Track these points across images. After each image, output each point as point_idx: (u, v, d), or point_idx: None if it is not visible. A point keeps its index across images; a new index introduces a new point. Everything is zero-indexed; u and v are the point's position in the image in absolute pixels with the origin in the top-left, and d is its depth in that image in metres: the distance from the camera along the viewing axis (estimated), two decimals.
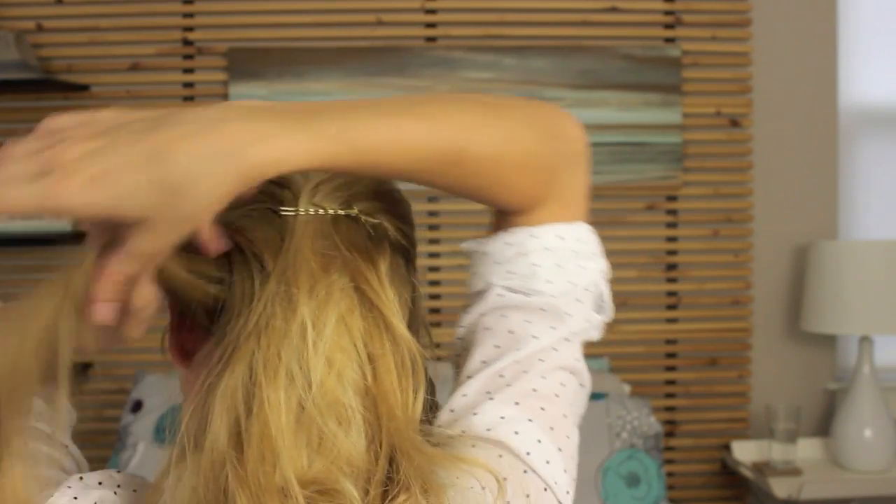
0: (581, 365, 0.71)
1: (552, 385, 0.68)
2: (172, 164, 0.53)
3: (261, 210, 0.67)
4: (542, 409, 0.67)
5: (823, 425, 2.69)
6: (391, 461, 0.62)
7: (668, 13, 2.64)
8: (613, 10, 2.63)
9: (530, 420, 0.66)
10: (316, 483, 0.59)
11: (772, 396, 2.64)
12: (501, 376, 0.68)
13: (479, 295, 0.72)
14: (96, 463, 0.68)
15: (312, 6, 2.60)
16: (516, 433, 0.65)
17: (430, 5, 2.61)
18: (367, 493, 0.61)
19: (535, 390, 0.67)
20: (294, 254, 0.65)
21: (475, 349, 0.70)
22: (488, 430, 0.66)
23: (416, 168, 0.62)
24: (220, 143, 0.54)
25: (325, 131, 0.57)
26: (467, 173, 0.65)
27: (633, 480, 2.27)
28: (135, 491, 0.66)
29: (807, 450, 2.55)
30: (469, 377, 0.69)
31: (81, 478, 0.66)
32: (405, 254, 0.71)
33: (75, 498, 0.64)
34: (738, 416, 2.67)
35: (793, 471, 2.40)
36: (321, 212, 0.67)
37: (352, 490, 0.60)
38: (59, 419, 0.68)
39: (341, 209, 0.68)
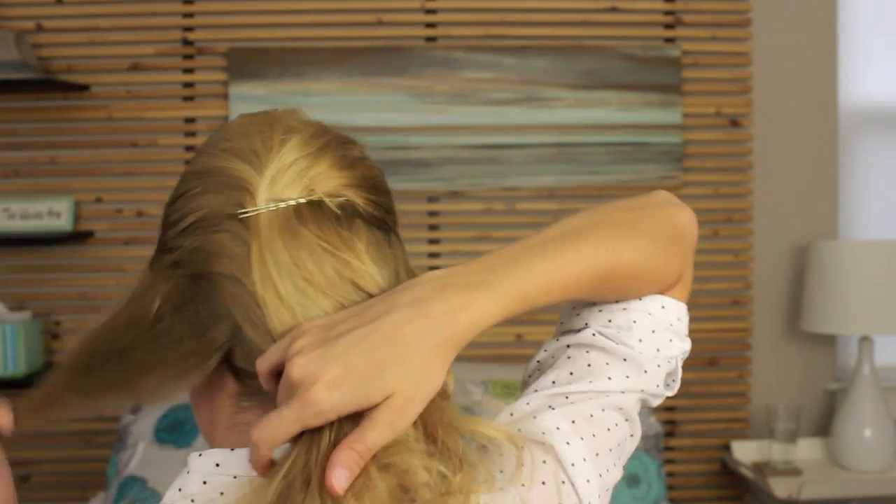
0: (636, 418, 0.75)
1: (608, 419, 0.72)
2: (400, 344, 0.59)
3: (221, 219, 0.66)
4: (594, 435, 0.70)
5: (823, 425, 2.69)
6: (434, 439, 0.63)
7: (668, 13, 2.64)
8: (613, 10, 2.63)
9: (582, 439, 0.69)
10: (380, 459, 0.60)
11: (772, 396, 2.64)
12: (566, 397, 0.71)
13: (572, 331, 0.76)
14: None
15: (312, 6, 2.60)
16: (567, 444, 0.68)
17: (430, 5, 2.61)
18: (427, 470, 0.61)
19: (592, 416, 0.71)
20: (266, 258, 0.64)
21: (551, 371, 0.74)
22: (543, 433, 0.68)
23: (571, 295, 0.68)
24: (431, 321, 0.60)
25: (501, 290, 0.63)
26: (610, 288, 0.72)
27: (633, 480, 2.27)
28: None
29: (807, 450, 2.55)
30: (536, 391, 0.72)
31: None
32: (381, 224, 0.70)
33: None
34: (738, 416, 2.67)
35: (793, 471, 2.40)
36: (281, 205, 0.65)
37: (416, 465, 0.60)
38: None
39: (303, 197, 0.66)
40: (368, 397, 0.58)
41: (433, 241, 2.62)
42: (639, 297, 0.75)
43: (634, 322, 0.74)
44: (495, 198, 2.61)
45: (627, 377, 0.73)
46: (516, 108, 2.60)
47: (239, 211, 0.65)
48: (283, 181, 0.66)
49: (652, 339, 0.75)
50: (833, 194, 2.70)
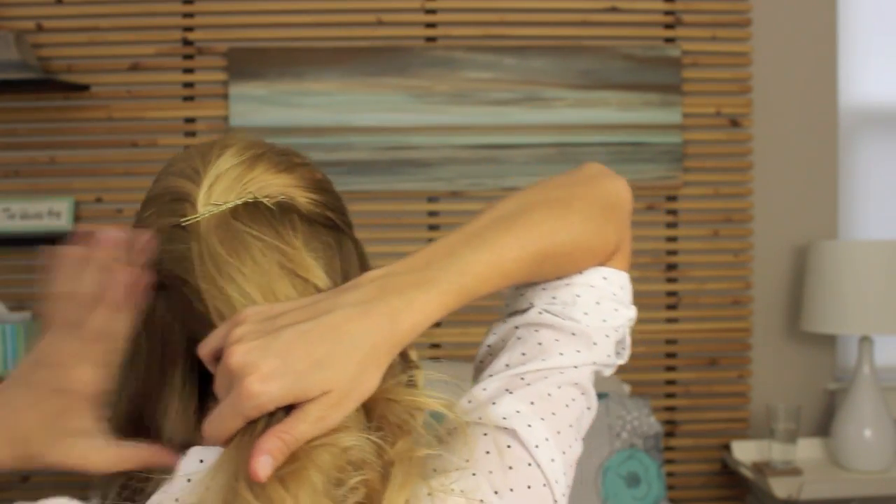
0: (592, 390, 0.76)
1: (565, 396, 0.73)
2: (341, 342, 0.60)
3: (168, 231, 0.69)
4: (553, 413, 0.71)
5: (823, 425, 2.69)
6: (371, 414, 0.64)
7: (668, 13, 2.64)
8: (613, 10, 2.63)
9: (542, 419, 0.70)
10: (312, 443, 0.61)
11: (772, 396, 2.64)
12: (522, 378, 0.72)
13: (518, 312, 0.77)
14: None
15: (312, 6, 2.60)
16: (529, 426, 0.69)
17: (430, 5, 2.61)
18: (366, 441, 0.62)
19: (549, 395, 0.72)
20: (205, 256, 0.67)
21: (503, 354, 0.75)
22: (504, 418, 0.69)
23: (511, 280, 0.70)
24: (373, 321, 0.61)
25: (441, 287, 0.65)
26: (548, 268, 0.74)
27: (633, 480, 2.27)
28: None
29: (807, 450, 2.55)
30: (490, 375, 0.73)
31: None
32: (326, 222, 0.72)
33: None
34: (738, 416, 2.67)
35: (793, 471, 2.40)
36: (219, 208, 0.69)
37: (347, 440, 0.61)
38: None
39: (239, 199, 0.69)
40: (305, 392, 0.59)
41: (433, 241, 2.61)
42: (579, 271, 0.76)
43: (578, 296, 0.75)
44: (495, 198, 2.60)
45: (578, 351, 0.74)
46: (516, 108, 2.60)
47: (182, 220, 0.68)
48: (220, 188, 0.69)
49: (597, 311, 0.76)
50: (833, 194, 2.69)
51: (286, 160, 0.73)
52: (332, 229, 0.73)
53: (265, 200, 0.69)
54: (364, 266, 0.75)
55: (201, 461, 0.63)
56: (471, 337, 2.51)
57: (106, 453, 0.66)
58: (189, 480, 0.63)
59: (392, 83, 2.58)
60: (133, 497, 0.67)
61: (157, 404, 0.69)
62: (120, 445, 0.66)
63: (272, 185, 0.70)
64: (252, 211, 0.69)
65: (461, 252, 0.67)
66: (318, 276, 0.68)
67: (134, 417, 0.70)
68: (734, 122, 2.66)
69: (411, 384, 0.69)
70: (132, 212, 2.87)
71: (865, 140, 2.75)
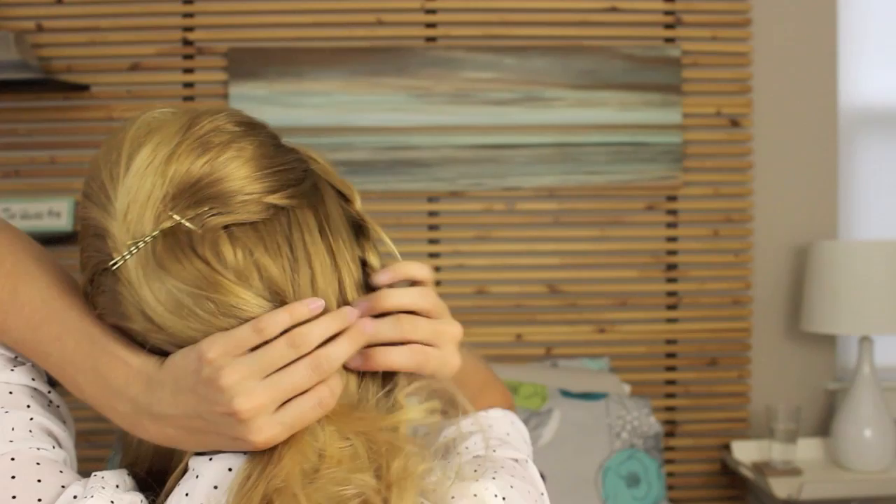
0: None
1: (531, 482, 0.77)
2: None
3: (101, 276, 0.64)
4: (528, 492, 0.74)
5: (823, 425, 2.69)
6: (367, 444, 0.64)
7: (668, 13, 2.64)
8: (613, 10, 2.63)
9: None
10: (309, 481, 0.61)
11: (772, 396, 2.64)
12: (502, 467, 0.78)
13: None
14: (96, 463, 0.67)
15: (312, 6, 2.60)
16: (527, 461, 0.76)
17: (430, 5, 2.61)
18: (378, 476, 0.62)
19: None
20: (146, 310, 0.62)
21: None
22: (516, 450, 0.77)
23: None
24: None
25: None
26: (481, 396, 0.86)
27: (633, 480, 2.27)
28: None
29: (807, 450, 2.55)
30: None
31: (103, 477, 0.63)
32: (267, 213, 0.64)
33: (112, 502, 0.61)
34: (738, 416, 2.67)
35: (793, 471, 2.40)
36: (140, 245, 0.61)
37: (358, 478, 0.61)
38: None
39: (155, 230, 0.61)
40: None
41: (433, 241, 2.62)
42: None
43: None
44: (495, 198, 2.61)
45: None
46: (516, 108, 2.60)
47: (109, 264, 0.62)
48: (134, 216, 0.62)
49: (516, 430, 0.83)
50: (833, 194, 2.69)
51: (207, 142, 0.65)
52: (276, 216, 0.64)
53: (185, 222, 0.61)
54: (338, 212, 0.69)
55: (230, 469, 0.61)
56: (477, 337, 2.51)
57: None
58: (216, 487, 0.61)
59: (392, 83, 2.58)
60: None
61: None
62: None
63: (188, 190, 0.62)
64: (172, 246, 0.61)
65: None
66: (258, 303, 0.62)
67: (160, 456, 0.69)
68: (734, 122, 2.66)
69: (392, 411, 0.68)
70: None
71: (865, 140, 2.75)
